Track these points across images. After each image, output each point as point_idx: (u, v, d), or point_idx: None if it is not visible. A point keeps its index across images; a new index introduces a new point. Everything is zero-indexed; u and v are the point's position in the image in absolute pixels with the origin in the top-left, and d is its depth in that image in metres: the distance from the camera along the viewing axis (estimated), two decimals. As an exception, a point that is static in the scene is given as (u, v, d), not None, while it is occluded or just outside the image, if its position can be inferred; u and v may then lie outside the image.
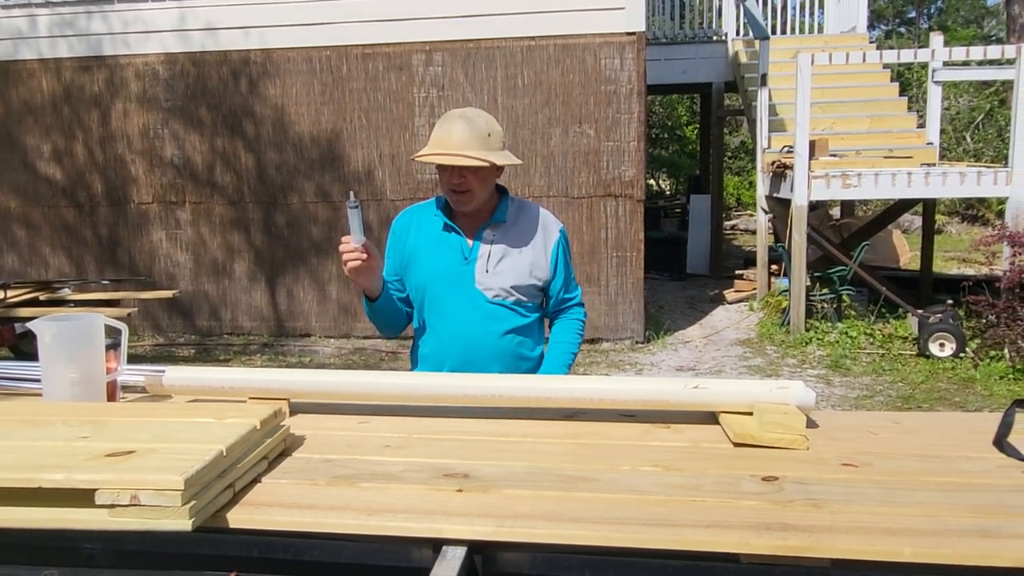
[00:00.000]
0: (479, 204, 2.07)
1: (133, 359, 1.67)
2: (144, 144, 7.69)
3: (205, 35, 7.43)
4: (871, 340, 7.02)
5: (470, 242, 2.11)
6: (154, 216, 7.80)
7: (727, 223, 15.95)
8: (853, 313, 7.58)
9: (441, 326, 2.12)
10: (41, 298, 6.04)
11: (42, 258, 8.03)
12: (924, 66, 12.52)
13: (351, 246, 1.89)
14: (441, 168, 2.02)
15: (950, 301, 6.87)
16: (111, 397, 1.60)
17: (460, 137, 1.97)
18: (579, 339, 2.26)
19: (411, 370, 2.19)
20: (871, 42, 10.81)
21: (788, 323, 7.40)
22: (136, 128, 7.67)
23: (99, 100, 7.67)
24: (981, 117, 16.59)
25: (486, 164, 1.97)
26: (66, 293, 6.33)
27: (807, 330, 7.24)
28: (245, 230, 7.72)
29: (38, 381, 1.56)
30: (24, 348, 5.93)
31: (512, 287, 2.10)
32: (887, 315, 7.48)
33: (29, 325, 1.53)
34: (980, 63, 8.94)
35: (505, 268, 2.10)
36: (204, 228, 7.76)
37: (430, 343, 2.15)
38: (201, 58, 7.49)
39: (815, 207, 8.20)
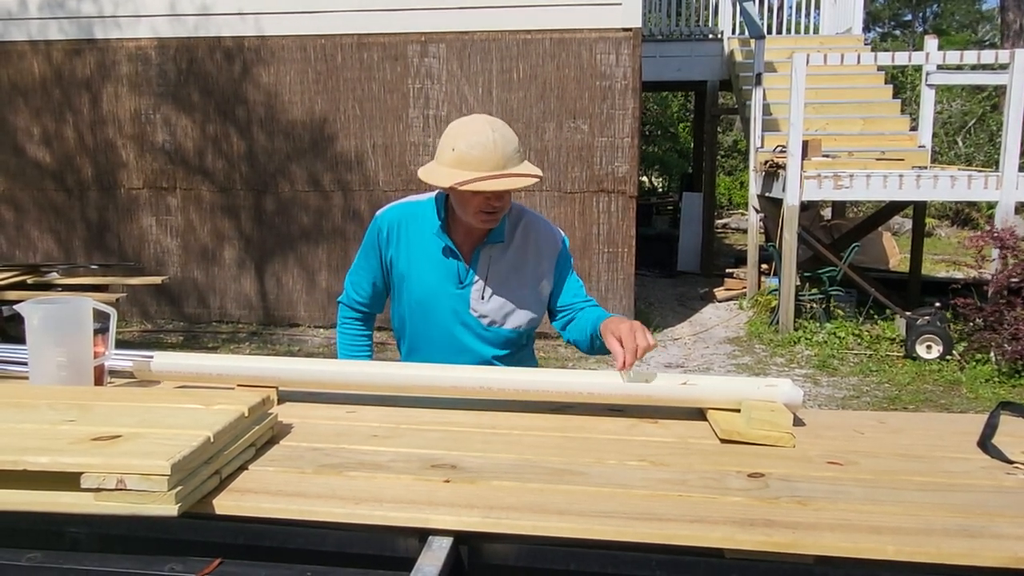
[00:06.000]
0: None
1: (121, 345, 1.66)
2: (135, 129, 7.63)
3: (198, 20, 7.38)
4: (859, 341, 7.06)
5: (467, 264, 1.94)
6: (144, 202, 7.75)
7: (719, 222, 15.99)
8: (841, 314, 7.62)
9: (427, 349, 2.00)
10: (29, 282, 6.00)
11: (30, 241, 7.97)
12: (918, 69, 12.59)
13: None
14: (470, 192, 1.77)
15: (938, 304, 6.90)
16: (98, 381, 1.59)
17: (501, 153, 1.76)
18: None
19: None
20: (866, 44, 10.83)
21: (777, 322, 7.43)
22: (127, 113, 7.62)
23: (90, 84, 7.61)
24: (973, 121, 16.70)
25: (539, 176, 1.81)
26: (54, 277, 6.29)
27: (796, 330, 7.27)
28: (235, 217, 7.69)
29: (25, 364, 1.55)
30: (11, 331, 5.89)
31: (510, 314, 1.96)
32: (875, 316, 7.52)
33: (17, 308, 1.52)
34: (973, 67, 8.98)
35: (504, 295, 1.95)
36: (194, 215, 7.72)
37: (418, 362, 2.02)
38: (194, 43, 7.43)
39: (806, 207, 8.23)
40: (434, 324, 1.99)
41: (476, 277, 1.95)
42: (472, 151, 1.75)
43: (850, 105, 9.09)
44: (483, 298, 1.95)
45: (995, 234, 6.48)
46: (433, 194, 2.00)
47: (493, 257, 1.96)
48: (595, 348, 1.92)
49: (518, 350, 2.05)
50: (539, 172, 1.82)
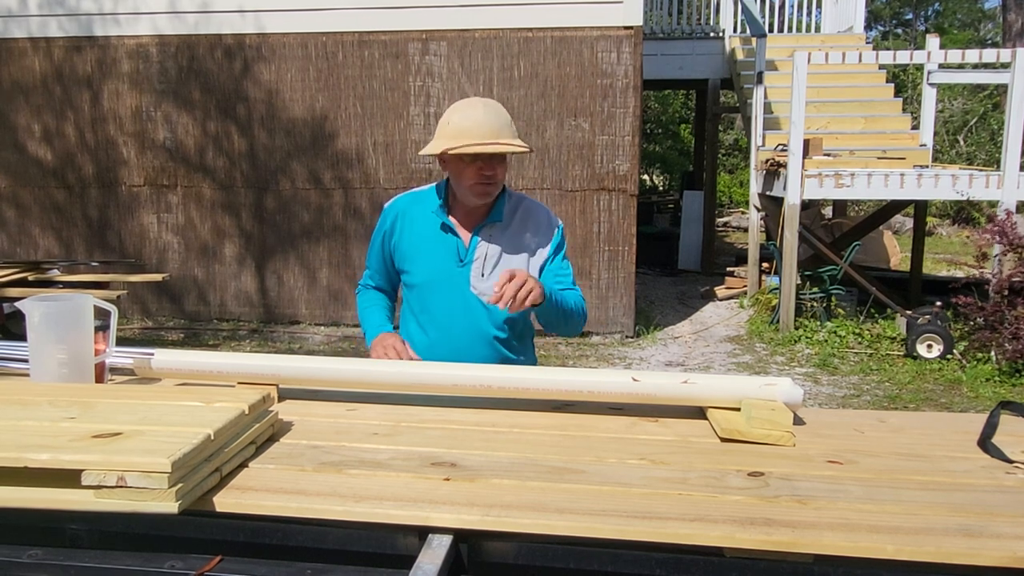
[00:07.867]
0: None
1: (121, 342, 1.66)
2: (136, 126, 7.63)
3: (198, 17, 7.37)
4: (859, 340, 7.05)
5: (466, 243, 2.02)
6: (145, 199, 7.75)
7: (719, 220, 15.99)
8: (842, 312, 7.61)
9: (431, 328, 2.06)
10: (30, 279, 6.00)
11: (31, 239, 7.97)
12: (919, 68, 12.57)
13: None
14: (464, 162, 1.92)
15: (939, 303, 6.90)
16: (99, 379, 1.59)
17: (492, 124, 1.89)
18: (578, 308, 2.05)
19: None
20: (867, 42, 10.82)
21: (777, 321, 7.43)
22: (128, 110, 7.61)
23: (91, 81, 7.60)
24: (975, 120, 16.69)
25: (527, 149, 1.93)
26: (55, 274, 6.29)
27: (796, 328, 7.27)
28: (236, 215, 7.69)
29: (26, 361, 1.55)
30: (12, 328, 5.90)
31: None
32: (876, 315, 7.52)
33: (18, 305, 1.53)
34: (975, 66, 8.96)
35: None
36: (195, 212, 7.71)
37: (418, 344, 2.06)
38: (195, 40, 7.43)
39: (807, 206, 8.23)
40: (436, 304, 2.05)
41: (476, 255, 2.02)
42: (464, 122, 1.91)
43: (851, 104, 9.08)
44: (483, 276, 2.02)
45: (996, 225, 6.42)
46: (437, 182, 2.11)
47: (493, 236, 2.04)
48: (548, 317, 1.98)
49: (518, 332, 2.11)
50: (530, 148, 1.96)
